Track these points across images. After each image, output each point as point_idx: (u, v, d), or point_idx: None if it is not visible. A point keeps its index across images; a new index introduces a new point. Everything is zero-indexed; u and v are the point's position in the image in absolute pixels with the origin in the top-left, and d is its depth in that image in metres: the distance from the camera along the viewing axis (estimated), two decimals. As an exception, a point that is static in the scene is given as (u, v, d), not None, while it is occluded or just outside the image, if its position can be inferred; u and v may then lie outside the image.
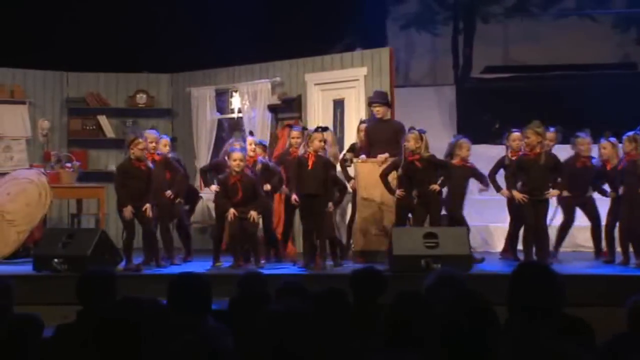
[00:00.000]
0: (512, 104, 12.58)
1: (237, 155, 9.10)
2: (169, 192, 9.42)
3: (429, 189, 8.82)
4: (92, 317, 4.18)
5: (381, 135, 9.64)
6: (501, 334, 3.42)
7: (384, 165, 9.22)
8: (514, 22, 13.64)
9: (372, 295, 5.12)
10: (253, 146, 9.76)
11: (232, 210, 9.02)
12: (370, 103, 10.12)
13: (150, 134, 9.62)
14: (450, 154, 9.57)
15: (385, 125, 9.74)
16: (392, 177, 9.13)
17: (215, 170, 9.70)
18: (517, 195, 8.88)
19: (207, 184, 9.73)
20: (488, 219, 10.96)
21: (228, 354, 2.91)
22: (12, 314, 4.55)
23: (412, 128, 9.01)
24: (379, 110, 9.86)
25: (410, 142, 8.88)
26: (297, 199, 8.98)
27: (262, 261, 9.32)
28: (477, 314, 3.44)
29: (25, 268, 9.00)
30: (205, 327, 4.02)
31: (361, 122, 10.25)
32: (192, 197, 10.59)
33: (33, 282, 8.30)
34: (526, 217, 8.97)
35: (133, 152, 9.02)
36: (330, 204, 8.94)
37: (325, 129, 9.27)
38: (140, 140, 9.11)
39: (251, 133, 10.72)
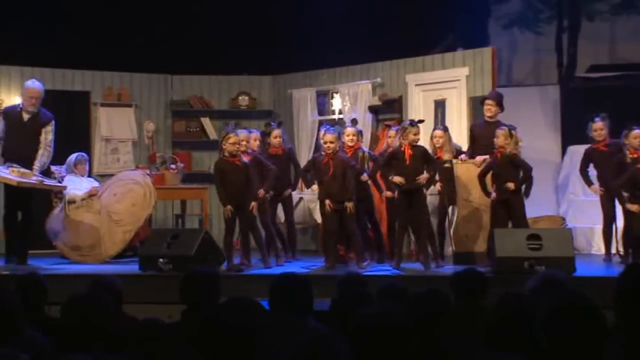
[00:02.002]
0: (619, 103, 12.25)
1: (328, 136, 8.85)
2: (261, 192, 9.17)
3: (504, 186, 8.60)
4: (197, 316, 4.25)
5: (487, 137, 9.23)
6: (609, 338, 3.34)
7: (482, 166, 9.07)
8: (621, 19, 13.30)
9: (474, 297, 5.07)
10: (351, 137, 9.55)
11: (327, 201, 8.76)
12: (483, 100, 9.87)
13: (241, 133, 9.48)
14: None
15: (492, 127, 9.25)
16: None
17: (313, 168, 9.35)
18: (595, 189, 8.91)
19: (308, 185, 9.68)
20: (592, 220, 10.71)
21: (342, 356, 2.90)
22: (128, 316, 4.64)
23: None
24: (491, 109, 9.60)
25: (499, 138, 8.71)
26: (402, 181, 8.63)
27: (365, 262, 8.97)
28: (583, 318, 3.36)
29: (131, 267, 9.20)
30: (308, 328, 4.03)
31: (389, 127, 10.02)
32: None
33: (139, 281, 8.46)
34: (627, 219, 8.79)
35: (225, 148, 8.89)
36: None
37: (420, 122, 9.08)
38: (232, 134, 8.94)
39: (354, 122, 10.26)
